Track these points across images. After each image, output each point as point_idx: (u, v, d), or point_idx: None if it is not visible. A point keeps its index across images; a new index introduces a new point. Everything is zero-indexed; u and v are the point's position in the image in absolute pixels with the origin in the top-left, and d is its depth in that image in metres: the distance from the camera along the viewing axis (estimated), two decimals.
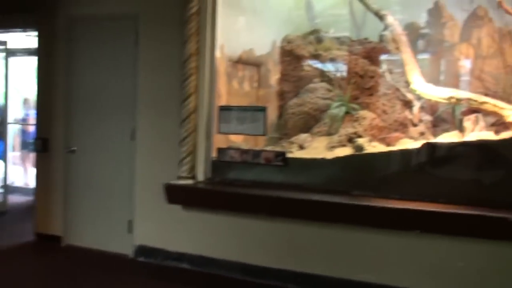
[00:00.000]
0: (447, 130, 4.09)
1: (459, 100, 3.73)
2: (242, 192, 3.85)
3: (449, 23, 4.35)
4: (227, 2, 4.17)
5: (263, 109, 4.01)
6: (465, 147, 3.39)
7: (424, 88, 3.85)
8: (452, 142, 3.52)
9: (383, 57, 4.42)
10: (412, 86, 3.91)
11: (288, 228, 3.78)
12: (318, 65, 4.61)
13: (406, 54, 3.99)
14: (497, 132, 3.81)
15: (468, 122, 3.90)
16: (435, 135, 4.15)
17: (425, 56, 4.45)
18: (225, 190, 3.95)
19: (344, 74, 4.43)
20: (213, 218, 4.06)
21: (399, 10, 4.59)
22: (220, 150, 4.08)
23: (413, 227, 3.34)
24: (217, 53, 4.13)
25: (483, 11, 4.21)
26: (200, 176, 4.14)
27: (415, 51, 4.21)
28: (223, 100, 4.34)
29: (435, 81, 4.10)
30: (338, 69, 4.52)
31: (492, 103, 3.66)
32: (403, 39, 4.03)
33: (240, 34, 4.60)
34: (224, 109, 4.11)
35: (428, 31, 4.46)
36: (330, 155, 3.84)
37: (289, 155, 3.94)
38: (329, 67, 4.58)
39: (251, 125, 3.99)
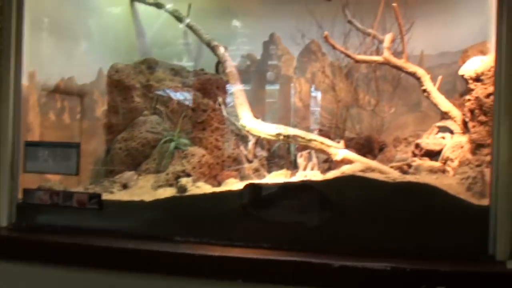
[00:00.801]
0: (282, 167, 3.95)
1: (286, 137, 3.57)
2: (49, 240, 3.34)
3: (285, 56, 4.27)
4: (39, 24, 3.71)
5: (76, 146, 3.54)
6: (289, 188, 3.19)
7: (252, 124, 3.65)
8: (276, 183, 3.32)
9: (220, 89, 4.21)
10: (241, 121, 3.71)
11: (102, 280, 3.30)
12: (148, 96, 4.28)
13: (236, 87, 3.80)
14: (328, 170, 3.72)
15: (301, 158, 3.78)
16: (270, 172, 3.98)
17: (260, 89, 4.32)
18: (30, 237, 3.40)
19: (176, 106, 4.15)
20: (19, 269, 3.45)
21: (241, 42, 4.45)
22: (26, 191, 3.55)
23: (236, 276, 3.04)
24: (25, 81, 3.63)
25: (316, 45, 4.18)
26: (4, 221, 3.56)
27: (250, 84, 4.07)
28: (35, 135, 3.83)
29: (269, 116, 3.97)
30: (169, 101, 4.22)
31: (320, 141, 3.53)
32: (234, 71, 3.84)
33: (58, 60, 4.12)
34: (30, 144, 3.58)
35: (264, 64, 4.35)
36: (151, 196, 3.48)
37: (108, 197, 3.52)
38: (161, 99, 4.27)
39: (63, 163, 3.51)
